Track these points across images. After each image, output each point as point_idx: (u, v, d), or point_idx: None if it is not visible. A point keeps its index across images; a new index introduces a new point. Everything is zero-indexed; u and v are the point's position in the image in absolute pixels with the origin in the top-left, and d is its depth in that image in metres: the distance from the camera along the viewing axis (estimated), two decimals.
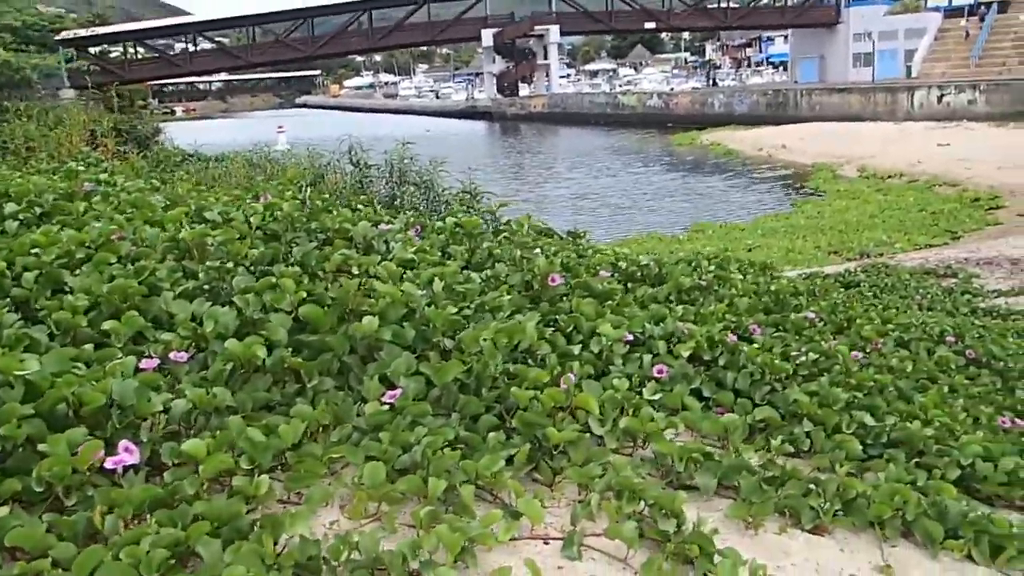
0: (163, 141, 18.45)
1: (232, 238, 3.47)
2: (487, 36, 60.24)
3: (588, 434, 2.75)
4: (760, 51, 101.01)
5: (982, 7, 51.26)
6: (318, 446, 2.35)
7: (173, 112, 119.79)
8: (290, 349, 2.77)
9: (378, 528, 2.14)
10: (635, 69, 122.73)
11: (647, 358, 3.32)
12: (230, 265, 3.22)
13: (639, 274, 5.01)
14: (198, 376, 2.56)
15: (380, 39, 60.42)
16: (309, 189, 5.11)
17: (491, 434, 2.50)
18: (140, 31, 54.07)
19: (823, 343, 4.26)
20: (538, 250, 4.97)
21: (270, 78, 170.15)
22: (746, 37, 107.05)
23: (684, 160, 30.74)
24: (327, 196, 6.18)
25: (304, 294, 2.99)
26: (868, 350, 4.62)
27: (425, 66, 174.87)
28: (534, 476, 2.52)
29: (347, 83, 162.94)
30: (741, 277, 5.02)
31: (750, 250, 12.69)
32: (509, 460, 2.43)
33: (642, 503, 2.33)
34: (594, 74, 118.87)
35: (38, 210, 4.12)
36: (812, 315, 4.77)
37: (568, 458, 2.55)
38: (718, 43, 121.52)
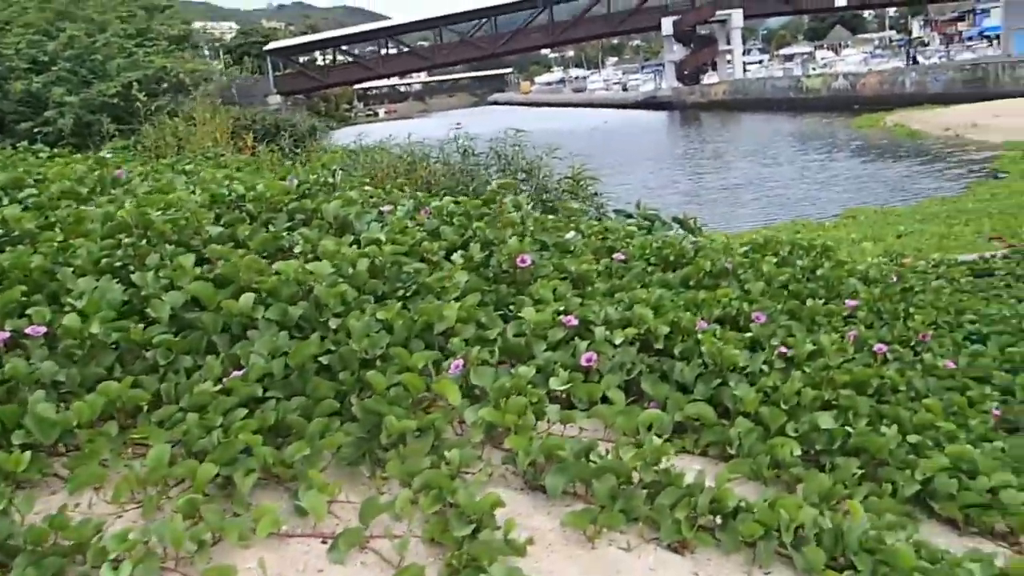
0: (324, 137, 19.38)
1: (179, 218, 3.47)
2: (667, 24, 59.08)
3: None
4: (974, 24, 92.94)
5: None
6: (115, 426, 2.27)
7: (376, 114, 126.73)
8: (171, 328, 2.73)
9: (138, 513, 2.03)
10: (834, 51, 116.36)
11: (582, 345, 3.03)
12: (145, 244, 3.20)
13: (672, 257, 4.63)
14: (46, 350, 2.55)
15: (561, 33, 60.79)
16: (340, 173, 5.07)
17: (316, 420, 2.32)
18: (334, 39, 57.35)
19: (837, 334, 3.74)
20: (572, 232, 4.73)
21: (465, 78, 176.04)
22: (957, 10, 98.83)
23: (862, 144, 28.72)
24: (366, 180, 6.18)
25: (197, 272, 2.93)
26: (913, 344, 4.02)
27: (615, 59, 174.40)
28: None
29: (538, 79, 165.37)
30: (774, 260, 4.50)
31: (899, 236, 11.59)
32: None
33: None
34: (789, 58, 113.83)
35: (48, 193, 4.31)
36: (853, 303, 4.21)
37: (401, 451, 2.33)
38: (925, 18, 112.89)
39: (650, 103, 69.11)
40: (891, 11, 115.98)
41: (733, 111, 55.11)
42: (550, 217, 5.20)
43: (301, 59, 62.17)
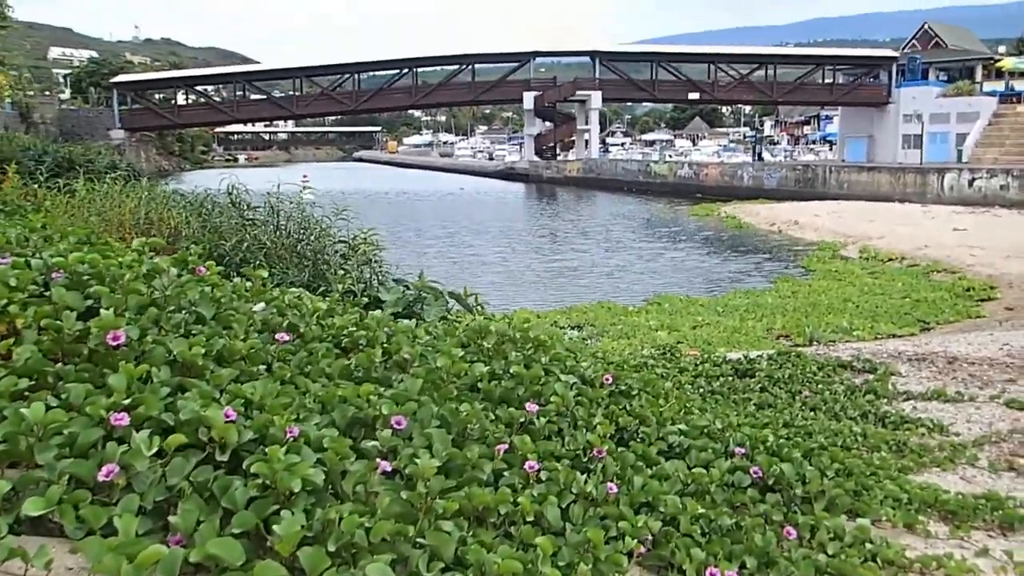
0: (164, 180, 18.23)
1: None
2: (528, 99, 60.23)
3: None
4: (818, 129, 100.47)
5: None
6: None
7: (236, 159, 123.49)
8: None
9: None
10: (692, 141, 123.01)
11: (113, 452, 2.39)
12: None
13: (364, 342, 4.07)
14: None
15: (423, 96, 60.90)
16: None
17: None
18: (185, 78, 55.34)
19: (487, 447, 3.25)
20: (261, 304, 4.13)
21: (333, 132, 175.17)
22: (804, 114, 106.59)
23: (695, 233, 29.71)
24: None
25: None
26: (586, 458, 3.57)
27: (485, 127, 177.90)
28: None
29: (406, 140, 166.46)
30: (461, 353, 4.00)
31: (695, 327, 11.58)
32: None
33: None
34: (650, 143, 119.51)
35: None
36: (533, 408, 3.74)
37: None
38: (776, 119, 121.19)
39: (508, 174, 70.23)
40: (746, 109, 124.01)
41: (586, 189, 56.45)
42: (238, 283, 4.56)
43: (156, 96, 59.70)
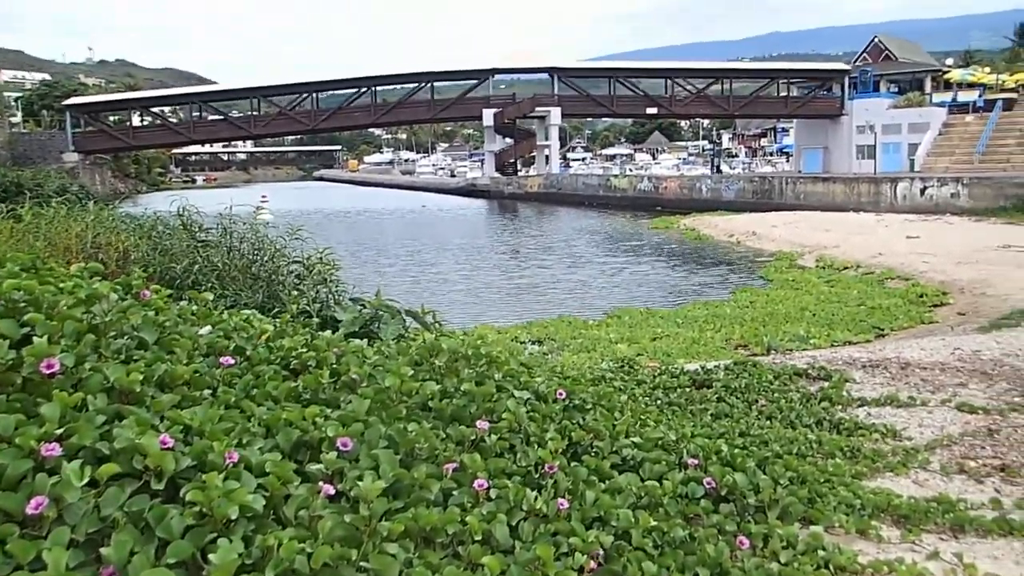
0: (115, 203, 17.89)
1: None
2: (488, 116, 60.47)
3: None
4: (775, 141, 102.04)
5: (982, 104, 51.22)
6: None
7: (193, 180, 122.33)
8: None
9: None
10: (652, 155, 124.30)
11: (42, 483, 2.31)
12: None
13: (313, 363, 4.01)
14: None
15: (383, 115, 60.83)
16: None
17: None
18: (139, 99, 54.69)
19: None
20: (207, 327, 4.04)
21: (293, 151, 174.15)
22: (761, 127, 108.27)
23: (656, 246, 29.93)
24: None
25: None
26: (538, 474, 3.55)
27: (446, 145, 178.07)
28: None
29: (367, 159, 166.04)
30: (411, 372, 3.95)
31: (654, 339, 11.63)
32: None
33: None
34: (611, 158, 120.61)
35: None
36: (484, 425, 3.71)
37: None
38: (734, 132, 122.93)
39: (470, 191, 70.42)
40: (705, 122, 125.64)
41: (547, 204, 56.74)
42: (184, 307, 4.47)
43: (111, 118, 58.91)
